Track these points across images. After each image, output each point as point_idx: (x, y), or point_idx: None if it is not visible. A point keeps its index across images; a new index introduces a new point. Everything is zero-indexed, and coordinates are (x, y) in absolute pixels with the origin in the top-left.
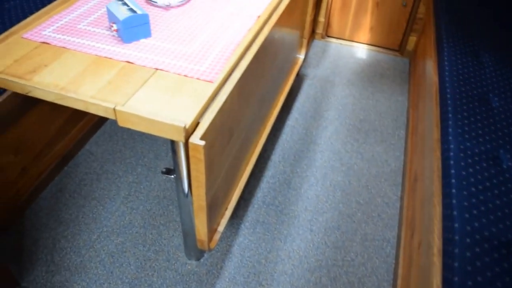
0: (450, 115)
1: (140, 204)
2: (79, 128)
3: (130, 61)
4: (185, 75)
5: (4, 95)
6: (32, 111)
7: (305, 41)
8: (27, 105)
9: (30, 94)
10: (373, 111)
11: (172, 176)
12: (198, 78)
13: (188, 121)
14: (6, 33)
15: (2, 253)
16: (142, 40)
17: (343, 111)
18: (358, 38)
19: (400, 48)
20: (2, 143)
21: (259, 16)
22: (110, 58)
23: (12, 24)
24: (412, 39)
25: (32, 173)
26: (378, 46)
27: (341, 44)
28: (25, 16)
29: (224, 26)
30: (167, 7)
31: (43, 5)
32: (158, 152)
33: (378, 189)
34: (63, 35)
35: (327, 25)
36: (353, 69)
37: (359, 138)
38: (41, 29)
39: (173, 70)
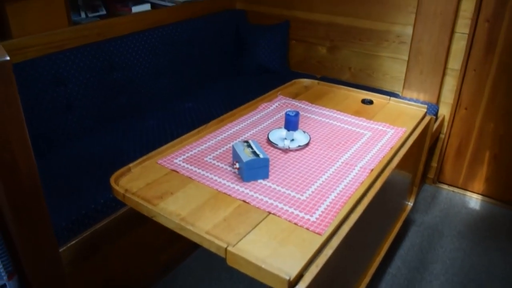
0: None
1: None
2: (184, 242)
3: (246, 201)
4: (295, 223)
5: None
6: (148, 221)
7: (415, 189)
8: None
9: (154, 219)
10: (485, 272)
11: None
12: (307, 228)
13: (292, 274)
14: (145, 157)
15: None
16: (260, 181)
17: (451, 266)
18: (472, 188)
19: None
20: (119, 246)
21: (372, 170)
22: (228, 195)
23: (149, 142)
24: None
25: (135, 277)
26: (495, 199)
27: (453, 191)
28: (160, 136)
29: (337, 177)
30: (287, 150)
31: (178, 131)
32: (253, 280)
33: None
34: (191, 165)
35: (440, 170)
36: (465, 220)
37: None
38: (173, 157)
39: (284, 216)
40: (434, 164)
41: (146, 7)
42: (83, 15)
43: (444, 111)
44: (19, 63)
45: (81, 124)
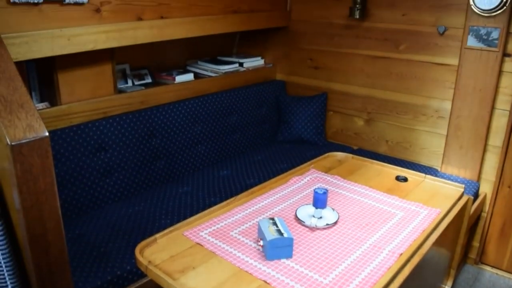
0: None
1: None
2: None
3: (267, 281)
4: None
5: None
6: None
7: (453, 272)
8: None
9: None
10: None
11: None
12: None
13: None
14: (171, 228)
15: None
16: (283, 260)
17: None
18: None
19: None
20: None
21: (401, 254)
22: (250, 274)
23: (180, 210)
24: None
25: None
26: None
27: (497, 274)
28: (192, 203)
29: (363, 260)
30: (313, 228)
31: (210, 199)
32: None
33: None
34: (216, 239)
35: (482, 251)
36: None
37: None
38: (200, 229)
39: None
40: (476, 244)
41: (190, 77)
42: (129, 82)
43: (486, 188)
44: (65, 128)
45: (117, 189)
